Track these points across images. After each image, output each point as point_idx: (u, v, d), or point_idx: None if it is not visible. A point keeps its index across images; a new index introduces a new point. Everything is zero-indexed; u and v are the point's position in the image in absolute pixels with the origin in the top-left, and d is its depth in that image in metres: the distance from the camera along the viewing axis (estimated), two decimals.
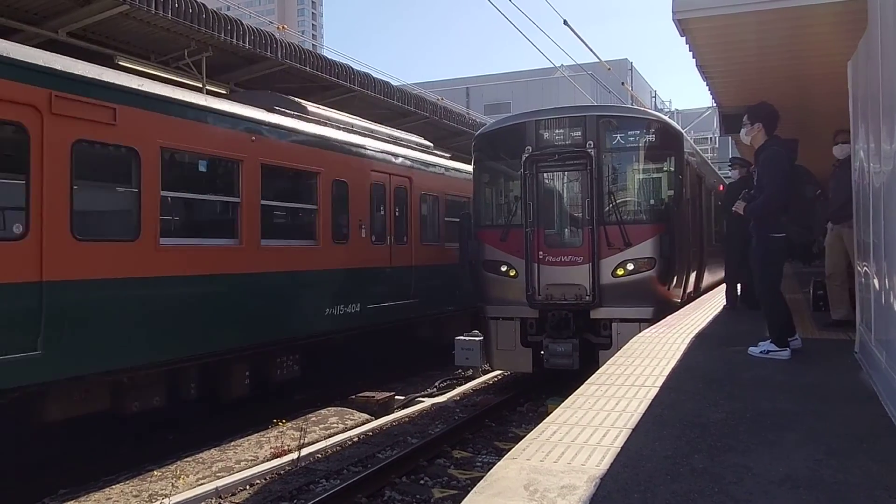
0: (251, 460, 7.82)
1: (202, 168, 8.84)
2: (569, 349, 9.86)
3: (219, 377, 8.97)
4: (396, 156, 12.64)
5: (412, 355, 13.32)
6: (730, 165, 11.46)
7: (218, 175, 9.13)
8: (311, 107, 11.25)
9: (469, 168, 14.24)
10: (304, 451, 8.01)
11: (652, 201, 10.31)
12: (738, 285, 9.79)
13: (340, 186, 10.86)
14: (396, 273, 12.22)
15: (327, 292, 10.50)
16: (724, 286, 10.83)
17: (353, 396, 10.48)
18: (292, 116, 10.25)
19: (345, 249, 10.88)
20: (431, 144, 14.78)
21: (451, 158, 15.63)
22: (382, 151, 12.20)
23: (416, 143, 14.11)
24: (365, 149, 11.66)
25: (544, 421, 4.08)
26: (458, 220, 13.53)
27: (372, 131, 12.52)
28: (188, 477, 7.24)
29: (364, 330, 11.37)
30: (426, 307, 13.11)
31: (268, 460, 7.81)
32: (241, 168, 8.92)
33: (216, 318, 8.54)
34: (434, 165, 14.16)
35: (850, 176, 6.64)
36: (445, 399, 11.14)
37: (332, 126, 11.17)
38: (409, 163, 13.01)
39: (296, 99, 11.17)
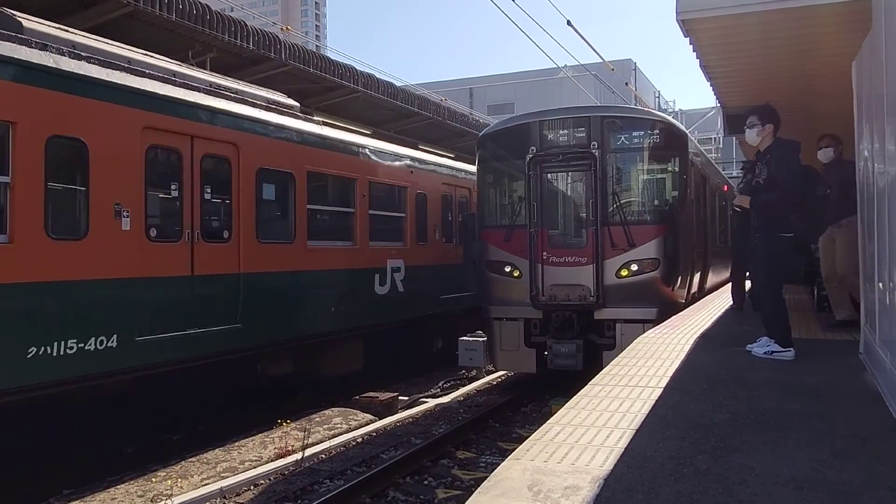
0: (255, 460, 7.84)
1: None
2: (572, 350, 9.86)
3: None
4: (205, 109, 8.38)
5: (413, 357, 13.28)
6: (741, 170, 11.43)
7: None
8: (34, 23, 7.37)
9: (359, 140, 11.67)
10: (308, 452, 8.03)
11: (656, 202, 10.29)
12: (747, 285, 9.76)
13: (65, 146, 6.95)
14: (206, 285, 8.22)
15: (32, 320, 6.52)
16: (727, 287, 10.81)
17: (357, 397, 10.49)
18: None
19: (78, 249, 6.94)
20: (297, 105, 10.81)
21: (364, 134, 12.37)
22: (172, 100, 7.95)
23: (259, 97, 9.82)
24: (131, 92, 7.47)
25: (548, 422, 4.08)
26: (335, 208, 11.08)
27: (162, 71, 8.30)
28: (192, 477, 7.26)
29: (129, 376, 7.51)
30: (267, 332, 9.16)
31: (272, 460, 7.83)
32: None
33: None
34: (286, 129, 9.70)
35: (837, 178, 6.82)
36: (449, 400, 11.15)
37: (61, 53, 7.06)
38: (234, 121, 8.77)
39: (6, 10, 7.39)
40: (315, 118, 10.86)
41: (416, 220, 12.88)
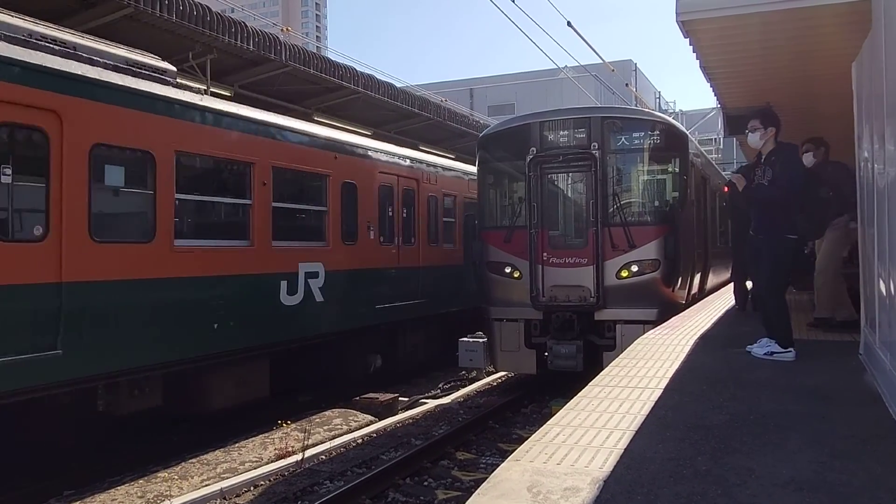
0: (255, 461, 7.84)
1: None
2: (573, 351, 9.85)
3: None
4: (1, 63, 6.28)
5: (413, 358, 13.25)
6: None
7: None
8: None
9: (257, 115, 9.36)
10: (308, 453, 8.02)
11: (656, 203, 10.29)
12: (749, 285, 9.75)
13: None
14: (1, 299, 6.17)
15: None
16: (727, 287, 10.80)
17: (357, 398, 10.49)
18: None
19: None
20: (173, 69, 8.57)
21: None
22: None
23: (106, 54, 7.60)
24: None
25: (548, 423, 4.08)
26: (221, 199, 8.99)
27: None
28: (192, 478, 7.26)
29: None
30: (109, 359, 7.09)
31: (272, 461, 7.83)
32: None
33: None
34: (143, 97, 7.55)
35: (828, 180, 7.03)
36: (449, 401, 11.14)
37: None
38: (54, 81, 6.64)
39: None
40: (189, 84, 8.61)
41: (341, 214, 10.65)
